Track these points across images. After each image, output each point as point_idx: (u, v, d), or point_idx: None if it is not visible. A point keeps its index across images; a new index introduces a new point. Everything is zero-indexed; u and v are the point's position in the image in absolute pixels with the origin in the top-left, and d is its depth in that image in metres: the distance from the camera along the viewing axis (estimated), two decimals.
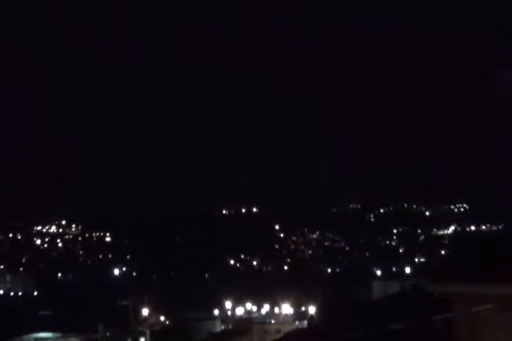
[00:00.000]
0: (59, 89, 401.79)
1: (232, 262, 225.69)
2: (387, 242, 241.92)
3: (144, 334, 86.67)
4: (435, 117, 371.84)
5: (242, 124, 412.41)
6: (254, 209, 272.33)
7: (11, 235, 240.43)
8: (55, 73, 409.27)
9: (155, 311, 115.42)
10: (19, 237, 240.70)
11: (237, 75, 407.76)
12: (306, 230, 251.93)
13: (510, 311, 17.24)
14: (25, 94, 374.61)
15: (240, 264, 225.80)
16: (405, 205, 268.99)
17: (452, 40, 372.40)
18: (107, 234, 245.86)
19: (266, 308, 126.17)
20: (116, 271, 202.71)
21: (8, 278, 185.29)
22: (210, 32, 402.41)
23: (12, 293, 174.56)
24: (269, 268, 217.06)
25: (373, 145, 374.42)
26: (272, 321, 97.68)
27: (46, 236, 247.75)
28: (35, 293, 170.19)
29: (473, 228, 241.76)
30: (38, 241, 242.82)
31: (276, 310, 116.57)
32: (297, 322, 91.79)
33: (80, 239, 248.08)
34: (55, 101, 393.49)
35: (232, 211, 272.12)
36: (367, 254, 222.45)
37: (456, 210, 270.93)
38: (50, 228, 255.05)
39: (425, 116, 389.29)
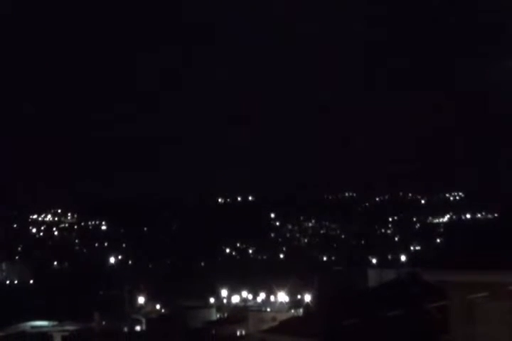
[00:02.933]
0: (55, 82, 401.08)
1: (228, 250, 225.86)
2: (383, 230, 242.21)
3: (139, 323, 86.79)
4: (432, 107, 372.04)
5: (239, 114, 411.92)
6: (250, 198, 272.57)
7: (6, 223, 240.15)
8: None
9: (151, 299, 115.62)
10: (15, 226, 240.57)
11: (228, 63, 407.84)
12: (301, 218, 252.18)
13: (504, 299, 17.29)
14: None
15: (236, 252, 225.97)
16: (401, 193, 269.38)
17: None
18: (103, 223, 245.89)
19: (262, 296, 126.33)
20: (112, 259, 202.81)
21: (4, 266, 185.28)
22: None
23: (8, 282, 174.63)
24: (264, 257, 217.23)
25: (369, 135, 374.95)
26: (268, 309, 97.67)
27: (42, 225, 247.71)
28: (31, 281, 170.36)
29: (468, 216, 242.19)
30: (34, 230, 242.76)
31: (272, 298, 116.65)
32: (293, 310, 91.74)
33: (75, 227, 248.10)
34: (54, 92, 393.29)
35: (228, 199, 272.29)
36: (362, 242, 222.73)
37: (451, 199, 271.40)
38: (45, 216, 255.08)
39: (422, 106, 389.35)
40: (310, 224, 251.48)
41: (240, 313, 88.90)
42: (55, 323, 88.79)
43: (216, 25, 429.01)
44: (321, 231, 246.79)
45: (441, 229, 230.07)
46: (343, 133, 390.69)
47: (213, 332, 72.20)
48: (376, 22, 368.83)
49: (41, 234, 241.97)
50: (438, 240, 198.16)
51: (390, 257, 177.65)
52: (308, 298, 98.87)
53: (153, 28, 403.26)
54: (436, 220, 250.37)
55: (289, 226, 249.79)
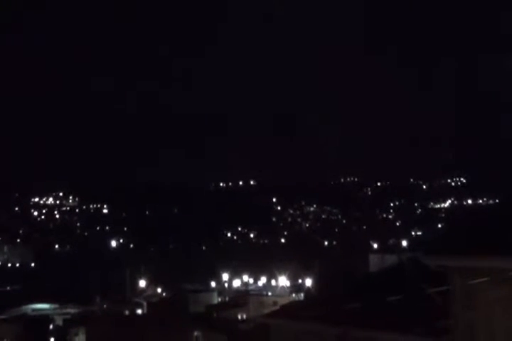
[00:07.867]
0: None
1: (229, 234, 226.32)
2: (384, 215, 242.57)
3: (140, 306, 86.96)
4: (434, 95, 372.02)
5: (244, 100, 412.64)
6: (252, 182, 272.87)
7: (8, 206, 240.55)
8: None
9: (152, 283, 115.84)
10: (16, 209, 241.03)
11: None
12: (303, 203, 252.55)
13: (505, 284, 17.28)
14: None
15: (238, 237, 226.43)
16: (402, 178, 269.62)
17: None
18: (104, 206, 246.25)
19: (263, 280, 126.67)
20: (114, 243, 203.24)
21: (5, 249, 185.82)
22: None
23: (9, 264, 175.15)
24: (266, 241, 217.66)
25: (373, 121, 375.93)
26: (269, 293, 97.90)
27: (43, 208, 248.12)
28: (33, 264, 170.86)
29: (469, 202, 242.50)
30: (36, 213, 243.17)
31: (273, 282, 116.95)
32: (294, 295, 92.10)
33: (77, 210, 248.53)
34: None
35: (230, 184, 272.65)
36: (364, 227, 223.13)
37: (453, 184, 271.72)
38: (47, 200, 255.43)
39: (425, 95, 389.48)
40: (311, 209, 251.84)
41: (241, 297, 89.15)
42: (56, 306, 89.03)
43: None
44: (323, 216, 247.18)
45: (443, 214, 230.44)
46: (346, 119, 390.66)
47: (214, 315, 72.44)
48: None
49: (42, 217, 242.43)
50: (439, 225, 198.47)
51: (391, 242, 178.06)
52: (309, 282, 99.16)
53: None
54: (438, 205, 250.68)
55: (291, 211, 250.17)
